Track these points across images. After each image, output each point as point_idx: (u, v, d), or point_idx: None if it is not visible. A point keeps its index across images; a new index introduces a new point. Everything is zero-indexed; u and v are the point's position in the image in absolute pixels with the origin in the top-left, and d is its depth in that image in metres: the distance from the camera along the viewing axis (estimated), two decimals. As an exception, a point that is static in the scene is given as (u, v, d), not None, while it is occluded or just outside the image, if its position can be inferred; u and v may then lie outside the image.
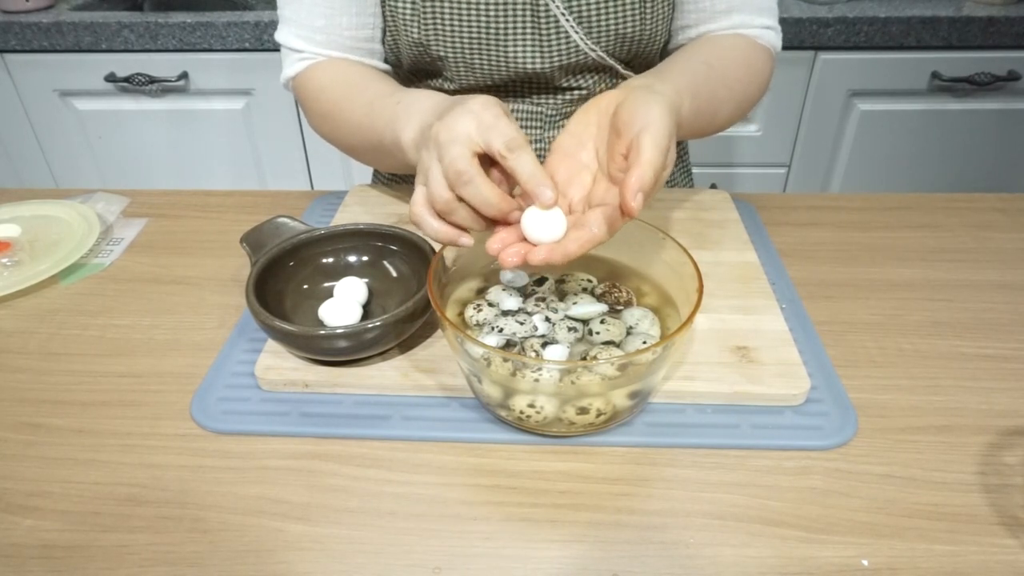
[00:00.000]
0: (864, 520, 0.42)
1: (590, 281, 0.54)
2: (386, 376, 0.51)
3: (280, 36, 0.71)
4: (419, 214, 0.48)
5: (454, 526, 0.42)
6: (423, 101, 0.57)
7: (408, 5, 0.68)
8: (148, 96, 1.40)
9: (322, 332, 0.49)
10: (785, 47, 1.35)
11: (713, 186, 1.35)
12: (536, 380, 0.43)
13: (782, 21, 1.33)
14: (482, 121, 0.47)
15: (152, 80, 1.35)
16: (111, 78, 1.35)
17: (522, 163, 0.46)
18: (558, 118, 0.76)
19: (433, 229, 0.48)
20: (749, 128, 1.43)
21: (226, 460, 0.47)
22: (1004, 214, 0.72)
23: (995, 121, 1.40)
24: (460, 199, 0.47)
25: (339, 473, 0.46)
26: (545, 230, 0.45)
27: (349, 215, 0.71)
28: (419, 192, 0.49)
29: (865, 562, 0.40)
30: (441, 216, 0.48)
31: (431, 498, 0.44)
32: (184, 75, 1.36)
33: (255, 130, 1.44)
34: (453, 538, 0.41)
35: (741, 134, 1.43)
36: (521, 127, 0.77)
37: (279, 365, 0.51)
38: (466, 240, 0.48)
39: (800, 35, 1.29)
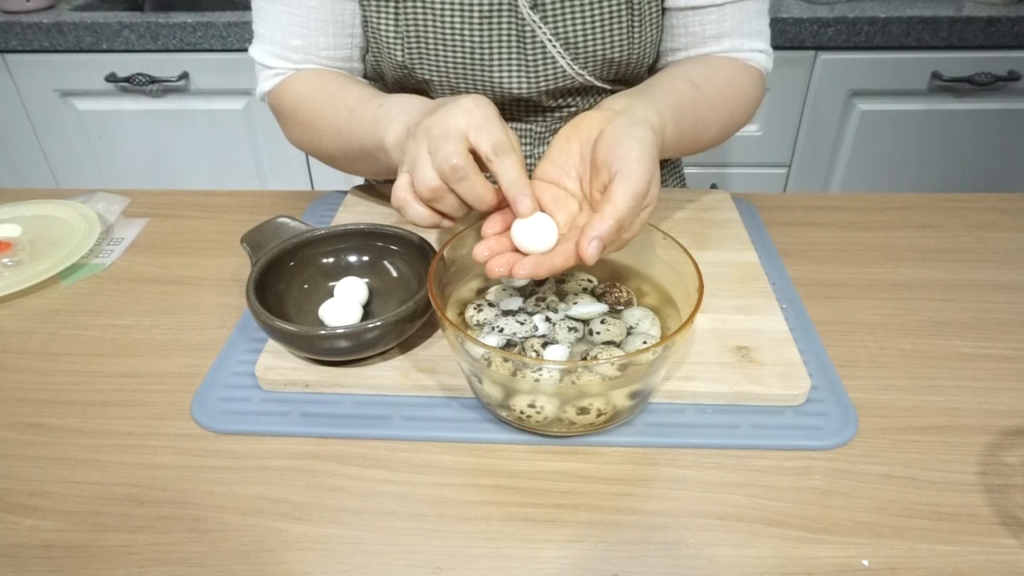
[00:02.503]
0: (865, 520, 0.42)
1: (590, 281, 0.54)
2: (386, 376, 0.51)
3: (254, 52, 0.69)
4: (403, 199, 0.49)
5: (454, 526, 0.42)
6: (407, 103, 0.57)
7: (391, 28, 0.67)
8: (148, 96, 1.40)
9: (322, 332, 0.49)
10: (785, 47, 1.34)
11: (713, 186, 1.35)
12: (536, 380, 0.43)
13: (782, 21, 1.33)
14: (473, 119, 0.47)
15: (152, 80, 1.36)
16: (112, 78, 1.35)
17: (506, 169, 0.46)
18: (547, 135, 0.76)
19: (417, 214, 0.49)
20: (749, 128, 1.43)
21: (226, 460, 0.47)
22: (1004, 214, 0.72)
23: (995, 121, 1.40)
24: (449, 189, 0.47)
25: (339, 473, 0.46)
26: (536, 239, 0.46)
27: (349, 215, 0.71)
28: (403, 178, 0.49)
29: (866, 562, 0.40)
30: (424, 203, 0.49)
31: (431, 498, 0.44)
32: (184, 75, 1.36)
33: (255, 130, 1.44)
34: (453, 538, 0.41)
35: (741, 134, 1.43)
36: None
37: (279, 365, 0.51)
38: (447, 224, 0.50)
39: (800, 35, 1.29)
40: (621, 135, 0.47)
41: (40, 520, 0.43)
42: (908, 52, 1.33)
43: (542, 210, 0.48)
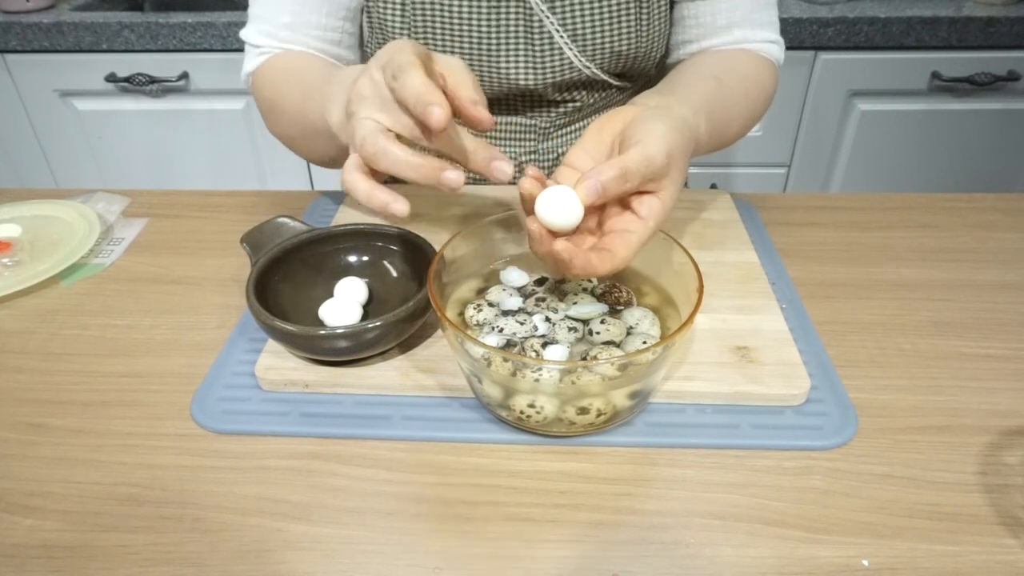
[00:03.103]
0: (864, 520, 0.42)
1: (590, 281, 0.54)
2: (386, 376, 0.51)
3: (244, 33, 0.69)
4: (350, 180, 0.46)
5: (454, 526, 0.42)
6: (349, 75, 0.54)
7: (398, 17, 0.67)
8: (148, 96, 1.40)
9: (322, 332, 0.49)
10: (785, 47, 1.34)
11: (713, 186, 1.35)
12: (536, 380, 0.43)
13: (782, 21, 1.33)
14: (376, 63, 0.45)
15: (152, 80, 1.36)
16: (111, 78, 1.35)
17: (407, 86, 0.42)
18: (552, 130, 0.76)
19: (364, 194, 0.46)
20: (749, 128, 1.43)
21: (226, 460, 0.47)
22: (1004, 214, 0.72)
23: (995, 121, 1.40)
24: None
25: (339, 473, 0.46)
26: (559, 213, 0.44)
27: (349, 215, 0.71)
28: (352, 158, 0.47)
29: (865, 562, 0.40)
30: (369, 173, 0.46)
31: (431, 498, 0.44)
32: (184, 75, 1.36)
33: (255, 130, 1.44)
34: (453, 538, 0.41)
35: (741, 134, 1.43)
36: (515, 140, 0.77)
37: (279, 365, 0.51)
38: (399, 207, 0.45)
39: (800, 35, 1.29)
40: (651, 119, 0.47)
41: (40, 520, 0.43)
42: (908, 52, 1.33)
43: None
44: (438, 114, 0.41)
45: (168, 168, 1.50)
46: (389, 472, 0.46)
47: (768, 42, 0.70)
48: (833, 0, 1.35)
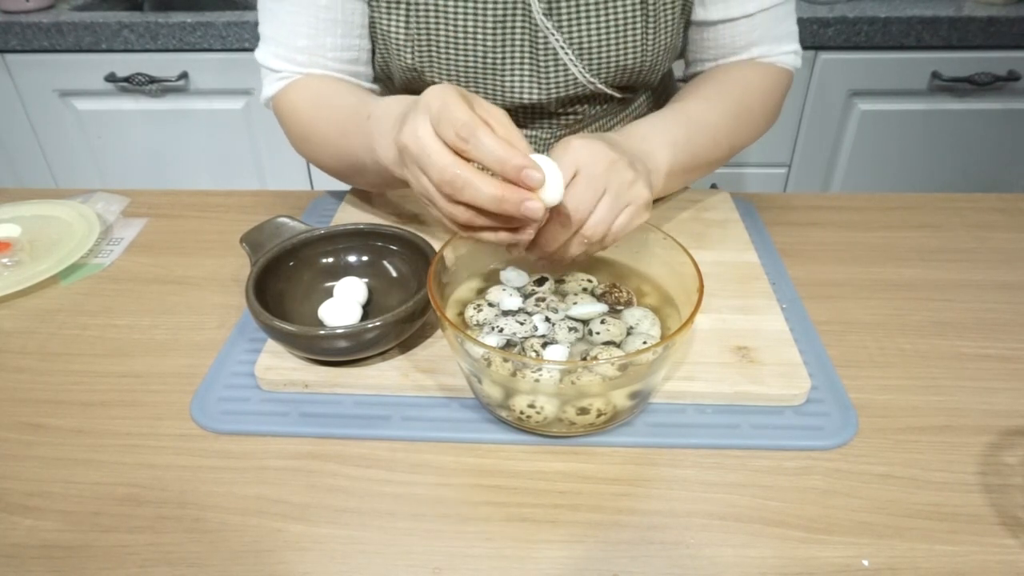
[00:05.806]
0: (865, 520, 0.42)
1: (590, 281, 0.54)
2: (386, 376, 0.51)
3: (259, 55, 0.68)
4: (473, 232, 0.46)
5: (454, 526, 0.42)
6: (392, 111, 0.54)
7: (401, 31, 0.66)
8: (148, 96, 1.40)
9: (322, 332, 0.48)
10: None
11: (713, 186, 1.35)
12: (536, 380, 0.43)
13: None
14: (433, 115, 0.44)
15: (152, 80, 1.35)
16: (111, 78, 1.35)
17: (483, 148, 0.42)
18: (552, 142, 0.76)
19: (497, 236, 0.46)
20: (749, 128, 1.43)
21: (226, 460, 0.47)
22: (1004, 214, 0.72)
23: (995, 121, 1.40)
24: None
25: (339, 473, 0.46)
26: (543, 191, 0.44)
27: (349, 215, 0.71)
28: (443, 212, 0.46)
29: (866, 562, 0.40)
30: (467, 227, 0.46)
31: (431, 498, 0.44)
32: (184, 75, 1.36)
33: (255, 130, 1.44)
34: (453, 538, 0.41)
35: (741, 134, 1.43)
36: None
37: (279, 365, 0.51)
38: (527, 234, 0.45)
39: (800, 35, 1.29)
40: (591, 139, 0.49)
41: (40, 520, 0.43)
42: (908, 52, 1.32)
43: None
44: (534, 177, 0.42)
45: (168, 168, 1.50)
46: (389, 472, 0.46)
47: (786, 53, 0.70)
48: (833, 0, 1.35)
